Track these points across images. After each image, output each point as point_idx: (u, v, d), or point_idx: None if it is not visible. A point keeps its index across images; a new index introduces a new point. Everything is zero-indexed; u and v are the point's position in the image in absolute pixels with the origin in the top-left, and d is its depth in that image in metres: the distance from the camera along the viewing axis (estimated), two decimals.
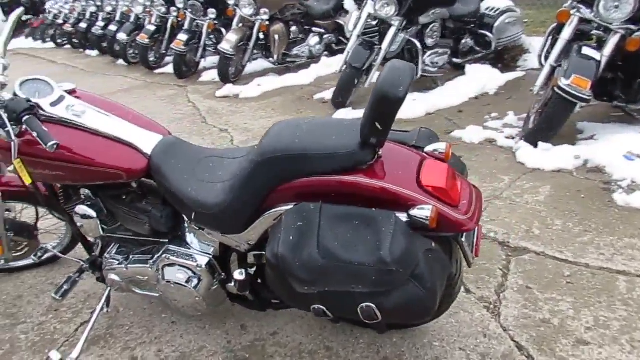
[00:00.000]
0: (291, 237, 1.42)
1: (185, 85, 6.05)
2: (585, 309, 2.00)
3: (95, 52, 8.70)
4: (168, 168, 1.74)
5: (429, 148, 1.64)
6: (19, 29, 8.04)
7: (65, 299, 2.10)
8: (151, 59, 6.94)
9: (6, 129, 1.59)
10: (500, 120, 3.96)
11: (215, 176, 1.72)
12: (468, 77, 4.91)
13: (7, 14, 11.47)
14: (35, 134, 1.56)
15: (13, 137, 1.62)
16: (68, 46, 10.05)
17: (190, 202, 1.68)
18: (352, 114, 4.40)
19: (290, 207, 1.54)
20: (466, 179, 1.63)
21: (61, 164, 1.71)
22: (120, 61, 7.57)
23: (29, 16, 11.60)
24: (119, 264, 1.92)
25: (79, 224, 1.90)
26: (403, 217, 1.43)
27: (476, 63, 5.13)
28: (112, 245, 2.00)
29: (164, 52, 6.88)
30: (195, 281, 1.81)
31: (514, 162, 3.29)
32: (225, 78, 5.72)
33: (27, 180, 1.66)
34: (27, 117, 1.58)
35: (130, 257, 1.93)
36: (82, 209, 1.85)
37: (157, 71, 6.91)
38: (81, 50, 9.34)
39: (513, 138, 3.58)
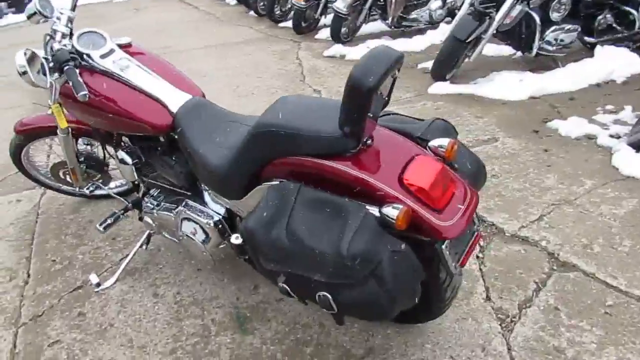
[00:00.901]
0: (264, 214, 1.45)
1: (300, 41, 6.16)
2: (612, 346, 1.76)
3: (233, 1, 9.16)
4: (188, 127, 1.85)
5: (433, 143, 1.53)
6: None
7: (107, 232, 2.37)
8: (276, 12, 7.13)
9: (46, 76, 1.81)
10: (613, 115, 3.47)
11: (227, 141, 1.78)
12: (596, 59, 4.31)
13: None
14: (70, 83, 1.76)
15: (52, 83, 1.83)
16: None
17: (199, 163, 1.78)
18: (449, 89, 4.15)
19: (276, 183, 1.56)
20: (464, 182, 1.49)
21: (99, 112, 1.91)
22: (252, 12, 7.89)
23: None
24: (152, 208, 2.11)
25: (118, 168, 2.12)
26: (376, 212, 1.38)
27: (612, 44, 4.47)
28: (151, 190, 2.20)
29: (289, 7, 7.02)
30: (204, 237, 1.93)
31: (606, 165, 2.89)
32: (336, 37, 5.70)
33: (62, 124, 1.88)
34: (67, 67, 1.78)
35: (162, 204, 2.11)
36: (120, 154, 2.06)
37: (280, 25, 7.10)
38: None
39: (618, 137, 3.12)
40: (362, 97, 1.28)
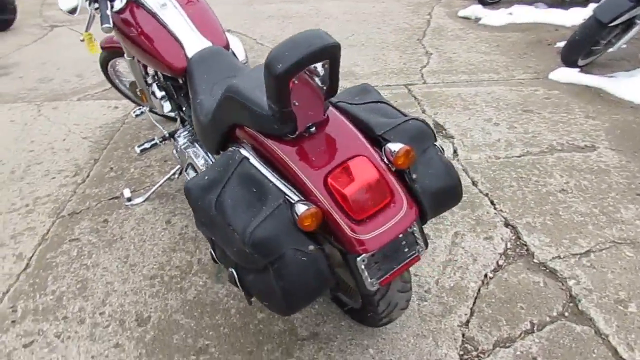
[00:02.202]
0: (206, 177, 1.45)
1: None
2: None
3: None
4: (196, 74, 1.88)
5: (389, 145, 1.36)
6: None
7: (143, 155, 2.57)
8: None
9: (83, 5, 1.95)
10: None
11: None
12: None
13: None
14: (99, 13, 1.88)
15: (89, 11, 1.97)
16: None
17: (193, 110, 1.82)
18: (575, 78, 3.57)
19: (230, 149, 1.54)
20: (406, 197, 1.31)
21: (132, 45, 2.02)
22: None
23: None
24: (179, 144, 2.24)
25: (152, 100, 2.26)
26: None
27: None
28: (185, 126, 2.32)
29: None
30: None
31: None
32: None
33: (92, 51, 2.03)
34: None
35: (186, 142, 2.22)
36: (153, 86, 2.19)
37: None
38: None
39: None
40: (273, 83, 1.18)
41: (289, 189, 1.33)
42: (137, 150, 2.45)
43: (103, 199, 2.56)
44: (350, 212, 1.26)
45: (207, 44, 1.95)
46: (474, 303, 1.88)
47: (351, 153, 1.33)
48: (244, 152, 1.46)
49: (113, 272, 2.12)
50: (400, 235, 1.31)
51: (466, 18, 5.00)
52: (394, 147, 1.33)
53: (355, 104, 1.54)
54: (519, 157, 2.71)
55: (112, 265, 2.15)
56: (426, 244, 1.39)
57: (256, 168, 1.39)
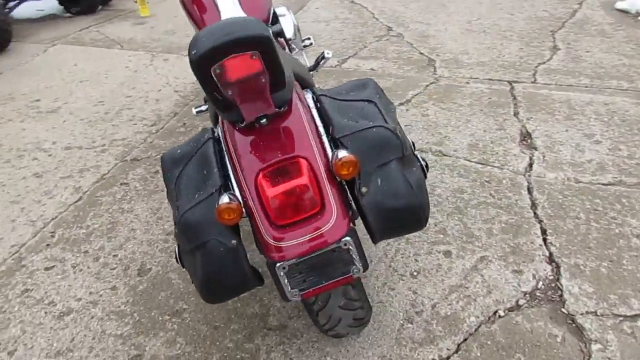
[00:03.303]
0: (178, 151, 1.47)
1: None
2: None
3: None
4: None
5: (338, 152, 1.22)
6: None
7: (198, 116, 2.65)
8: None
9: None
10: None
11: None
12: None
13: None
14: None
15: None
16: None
17: None
18: None
19: (209, 127, 1.53)
20: (336, 210, 1.18)
21: (190, 20, 2.08)
22: None
23: None
24: None
25: None
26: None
27: None
28: None
29: None
30: None
31: None
32: None
33: (141, 13, 2.12)
34: None
35: None
36: None
37: None
38: None
39: None
40: (192, 68, 1.11)
41: (229, 178, 1.28)
42: (194, 111, 2.54)
43: (163, 151, 2.73)
44: (271, 215, 1.17)
45: (239, 15, 1.93)
46: (465, 340, 1.65)
47: (292, 153, 1.23)
48: (216, 133, 1.43)
49: (141, 220, 2.27)
50: (329, 249, 1.19)
51: (623, 11, 4.24)
52: (340, 154, 1.19)
53: (338, 99, 1.41)
54: (606, 185, 2.26)
55: (143, 214, 2.30)
56: (365, 266, 1.24)
57: (213, 151, 1.36)
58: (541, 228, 2.06)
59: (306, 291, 1.23)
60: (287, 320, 1.76)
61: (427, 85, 3.27)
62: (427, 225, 2.05)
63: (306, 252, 1.15)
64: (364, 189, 1.22)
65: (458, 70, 3.44)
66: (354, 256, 1.21)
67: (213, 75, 1.12)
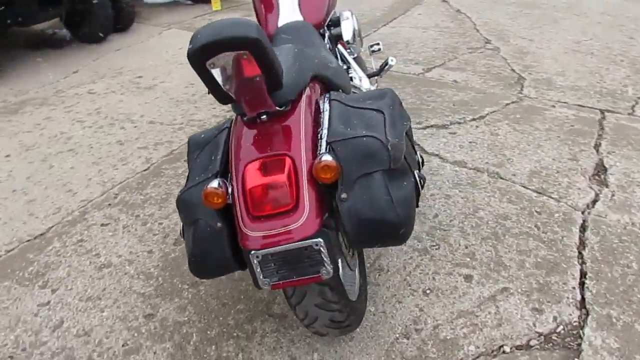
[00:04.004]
0: (202, 135, 1.60)
1: None
2: None
3: None
4: (274, 43, 1.99)
5: (322, 156, 1.24)
6: None
7: None
8: None
9: None
10: None
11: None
12: None
13: None
14: None
15: None
16: None
17: None
18: None
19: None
20: (309, 212, 1.21)
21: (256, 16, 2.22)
22: None
23: None
24: None
25: None
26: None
27: None
28: None
29: None
30: None
31: None
32: None
33: (213, 7, 2.27)
34: None
35: None
36: None
37: None
38: None
39: None
40: (189, 62, 1.19)
41: (227, 166, 1.36)
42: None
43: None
44: (249, 206, 1.23)
45: (296, 17, 2.01)
46: None
47: (281, 150, 1.28)
48: (235, 122, 1.53)
49: None
50: (301, 247, 1.22)
51: None
52: (323, 157, 1.22)
53: (348, 105, 1.43)
54: None
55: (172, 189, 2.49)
56: (336, 269, 1.26)
57: (225, 140, 1.45)
58: (581, 270, 1.89)
59: (276, 283, 1.27)
60: (289, 311, 1.81)
61: (507, 104, 3.11)
62: (458, 245, 2.01)
63: (271, 244, 1.20)
64: (343, 195, 1.23)
65: (547, 92, 3.23)
66: (324, 258, 1.23)
67: (210, 70, 1.19)
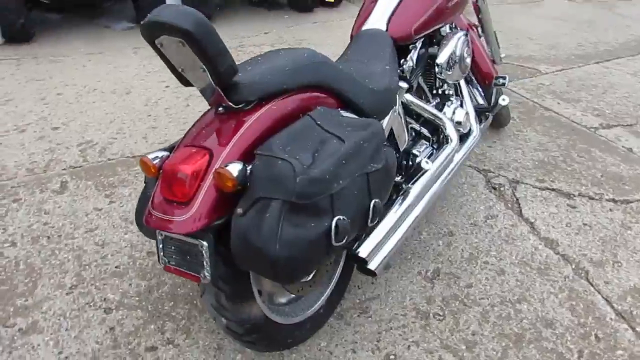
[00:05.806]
0: None
1: None
2: None
3: None
4: (349, 45, 1.93)
5: (230, 164, 1.18)
6: None
7: None
8: None
9: None
10: None
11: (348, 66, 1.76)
12: None
13: None
14: None
15: None
16: None
17: None
18: None
19: None
20: (195, 212, 1.17)
21: None
22: None
23: None
24: None
25: None
26: None
27: None
28: None
29: None
30: None
31: None
32: None
33: None
34: None
35: None
36: None
37: None
38: None
39: None
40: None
41: None
42: None
43: None
44: (159, 185, 1.25)
45: (380, 26, 1.92)
46: None
47: (207, 145, 1.25)
48: None
49: None
50: (189, 241, 1.20)
51: None
52: (228, 165, 1.17)
53: (319, 125, 1.31)
54: None
55: None
56: (213, 277, 1.20)
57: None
58: None
59: (169, 265, 1.28)
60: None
61: None
62: (465, 327, 1.70)
63: (161, 227, 1.20)
64: (239, 210, 1.16)
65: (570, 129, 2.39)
66: (205, 261, 1.19)
67: (160, 49, 1.20)
